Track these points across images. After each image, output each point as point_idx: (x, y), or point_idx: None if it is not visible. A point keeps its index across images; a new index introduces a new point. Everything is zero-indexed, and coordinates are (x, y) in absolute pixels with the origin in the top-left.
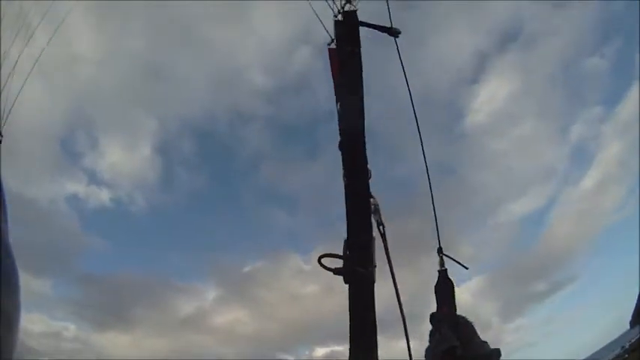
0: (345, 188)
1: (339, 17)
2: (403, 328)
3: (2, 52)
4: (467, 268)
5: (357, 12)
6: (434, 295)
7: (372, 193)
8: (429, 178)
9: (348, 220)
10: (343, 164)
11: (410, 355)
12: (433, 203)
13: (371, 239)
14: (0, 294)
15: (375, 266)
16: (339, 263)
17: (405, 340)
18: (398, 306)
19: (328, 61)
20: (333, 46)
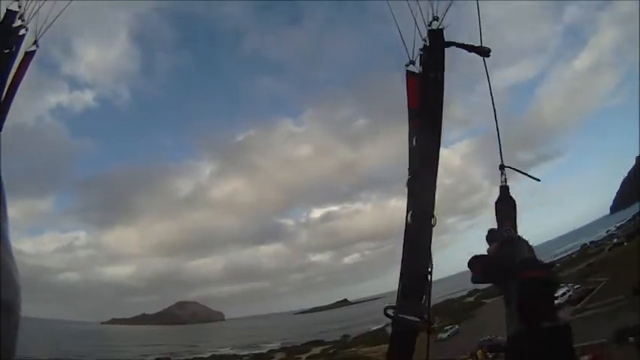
0: (407, 230)
1: (426, 39)
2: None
3: None
4: (538, 180)
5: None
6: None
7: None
8: (494, 110)
9: (405, 264)
10: (409, 204)
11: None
12: (496, 121)
13: (427, 289)
14: (0, 290)
15: (425, 319)
16: None
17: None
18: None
19: (404, 84)
20: (411, 68)
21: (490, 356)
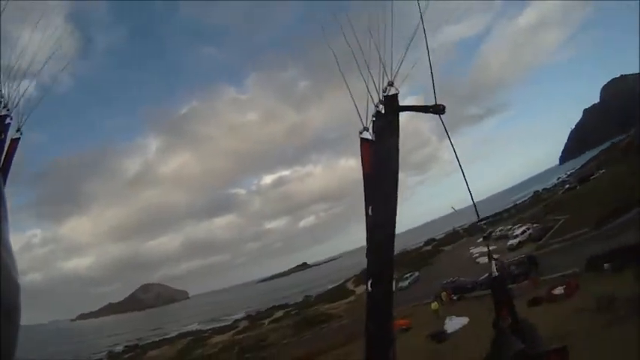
0: (368, 297)
1: (380, 106)
2: None
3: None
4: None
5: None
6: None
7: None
8: (459, 165)
9: (368, 323)
10: (368, 272)
11: None
12: (470, 192)
13: (391, 302)
14: (0, 291)
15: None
16: None
17: None
18: None
19: (359, 151)
20: (365, 135)
21: (455, 298)
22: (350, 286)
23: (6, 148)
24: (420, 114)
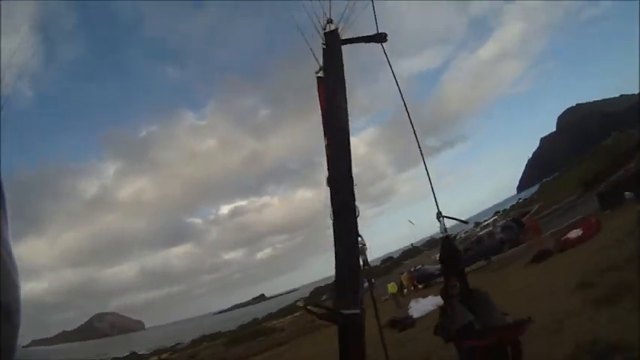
0: (333, 227)
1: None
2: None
3: None
4: (466, 223)
5: (339, 29)
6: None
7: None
8: (426, 168)
9: (336, 259)
10: (331, 202)
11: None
12: (428, 175)
13: (359, 282)
14: (0, 291)
15: (364, 309)
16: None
17: None
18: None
19: (316, 90)
20: (321, 74)
21: (420, 287)
22: (299, 303)
23: None
24: None
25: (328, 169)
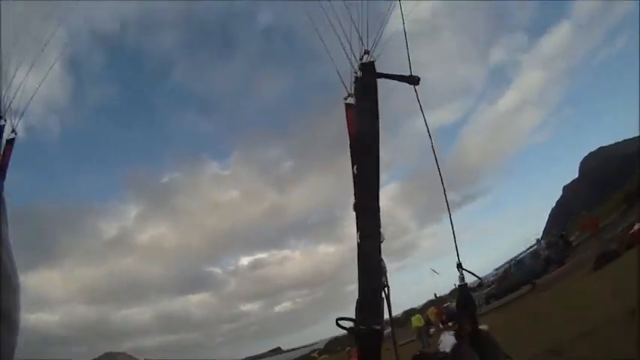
0: (359, 249)
1: (358, 71)
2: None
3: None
4: (480, 279)
5: (375, 62)
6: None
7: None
8: (446, 199)
9: (360, 280)
10: (358, 226)
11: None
12: (451, 221)
13: (380, 301)
14: (0, 294)
15: (383, 326)
16: None
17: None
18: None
19: (345, 117)
20: (350, 100)
21: (449, 324)
22: (315, 355)
23: (2, 150)
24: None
25: (355, 195)
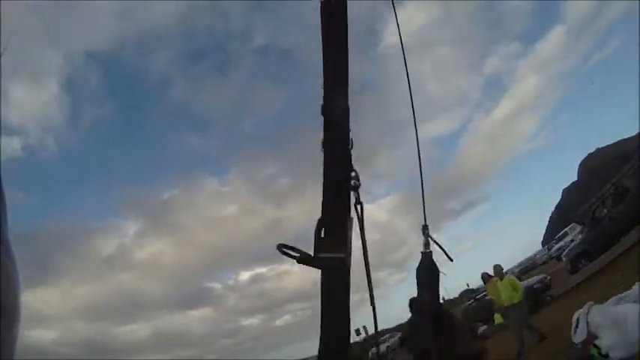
0: (324, 158)
1: None
2: (373, 315)
3: None
4: (452, 260)
5: None
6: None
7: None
8: (419, 158)
9: (324, 195)
10: (324, 131)
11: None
12: (422, 178)
13: (347, 221)
14: (0, 292)
15: (350, 253)
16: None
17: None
18: (369, 292)
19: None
20: None
21: None
22: None
23: None
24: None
25: (324, 93)
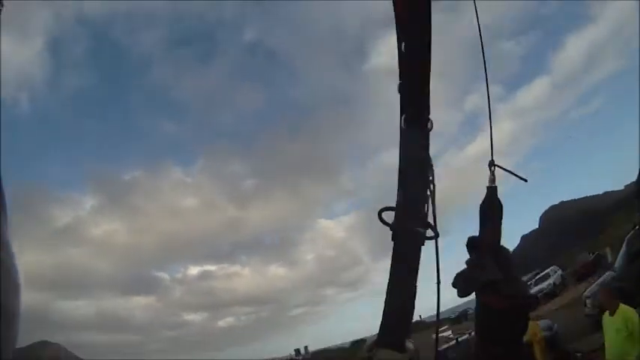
0: (401, 136)
1: None
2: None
3: None
4: (526, 181)
5: None
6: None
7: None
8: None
9: (402, 173)
10: (402, 109)
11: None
12: (490, 118)
13: (426, 197)
14: (0, 292)
15: (428, 228)
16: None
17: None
18: (436, 275)
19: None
20: None
21: None
22: None
23: None
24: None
25: (401, 70)
